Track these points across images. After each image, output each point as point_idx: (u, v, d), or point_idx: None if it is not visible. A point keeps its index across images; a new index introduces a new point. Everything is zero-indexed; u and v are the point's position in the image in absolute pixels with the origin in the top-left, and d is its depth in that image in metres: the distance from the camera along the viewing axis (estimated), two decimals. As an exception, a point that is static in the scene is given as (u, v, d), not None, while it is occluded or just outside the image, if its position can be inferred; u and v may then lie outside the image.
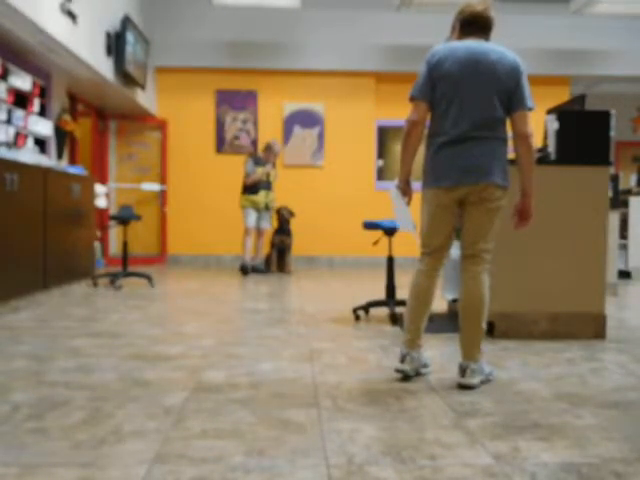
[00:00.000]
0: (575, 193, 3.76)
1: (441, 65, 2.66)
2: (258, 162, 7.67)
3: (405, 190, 2.83)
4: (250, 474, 1.75)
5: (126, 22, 6.79)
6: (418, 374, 2.83)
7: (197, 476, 1.74)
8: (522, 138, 2.62)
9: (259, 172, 7.58)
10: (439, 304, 5.14)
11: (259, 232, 7.87)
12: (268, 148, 7.72)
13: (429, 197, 2.73)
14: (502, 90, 2.63)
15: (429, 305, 2.77)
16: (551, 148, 3.88)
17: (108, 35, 6.55)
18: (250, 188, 7.62)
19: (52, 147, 6.50)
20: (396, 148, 9.15)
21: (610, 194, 7.05)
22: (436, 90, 2.69)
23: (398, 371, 2.74)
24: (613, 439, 2.07)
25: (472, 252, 2.71)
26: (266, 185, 7.72)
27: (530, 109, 2.65)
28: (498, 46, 2.70)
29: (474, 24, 2.73)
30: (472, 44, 2.68)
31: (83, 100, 7.79)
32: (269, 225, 7.90)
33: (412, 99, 2.71)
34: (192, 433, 2.08)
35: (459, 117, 2.65)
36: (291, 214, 7.89)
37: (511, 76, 2.63)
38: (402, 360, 2.75)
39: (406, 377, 2.76)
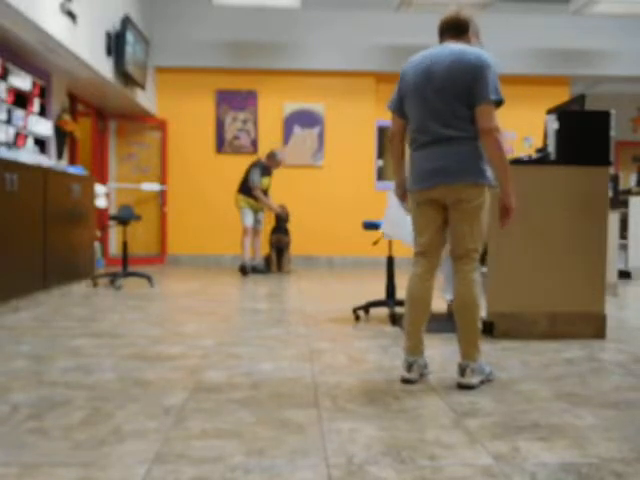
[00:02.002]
0: (575, 193, 3.76)
1: (404, 76, 2.81)
2: (265, 172, 7.65)
3: (402, 196, 2.97)
4: (250, 474, 1.76)
5: (126, 22, 6.79)
6: (421, 376, 2.84)
7: (197, 476, 1.74)
8: (484, 133, 2.60)
9: (262, 197, 7.57)
10: (439, 304, 5.14)
11: (255, 232, 7.87)
12: (272, 157, 7.70)
13: (410, 199, 2.85)
14: (460, 89, 2.63)
15: (428, 310, 2.78)
16: (551, 148, 3.88)
17: (108, 35, 6.55)
18: (250, 193, 7.61)
19: (52, 147, 6.50)
20: (396, 148, 9.14)
21: (610, 194, 7.05)
22: (405, 100, 2.82)
23: (405, 381, 2.74)
24: (613, 439, 2.07)
25: (460, 252, 2.73)
26: (265, 193, 7.74)
27: (494, 102, 2.60)
28: (462, 46, 2.70)
29: (443, 30, 2.83)
30: (433, 50, 2.75)
31: (83, 100, 7.79)
32: (262, 225, 7.93)
33: (390, 111, 2.90)
34: (192, 433, 2.08)
35: (424, 123, 2.72)
36: (287, 216, 7.89)
37: (468, 73, 2.61)
38: (409, 369, 2.74)
39: (410, 382, 2.76)
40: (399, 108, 2.84)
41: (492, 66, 2.63)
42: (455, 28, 2.79)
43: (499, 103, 2.63)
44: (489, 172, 2.69)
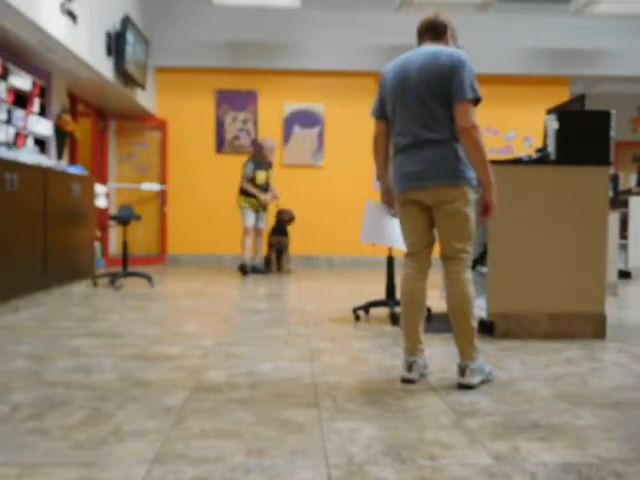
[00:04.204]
0: (575, 193, 3.76)
1: (384, 81, 2.84)
2: (258, 166, 7.66)
3: (388, 202, 3.01)
4: (250, 474, 1.76)
5: (126, 22, 6.79)
6: (421, 376, 2.84)
7: (197, 476, 1.74)
8: (462, 131, 2.60)
9: (250, 188, 7.57)
10: (439, 304, 5.14)
11: (257, 232, 7.87)
12: (259, 148, 7.72)
13: (396, 202, 2.88)
14: (435, 91, 2.64)
15: (422, 309, 2.80)
16: (551, 148, 3.88)
17: (108, 35, 6.55)
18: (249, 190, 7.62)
19: (52, 147, 6.50)
20: (396, 148, 9.14)
21: (610, 194, 7.05)
22: (385, 103, 2.84)
23: (405, 381, 2.75)
24: (613, 439, 2.07)
25: (448, 253, 2.73)
26: (264, 187, 7.72)
27: (472, 100, 2.60)
28: (436, 48, 2.71)
29: (422, 33, 2.86)
30: (412, 53, 2.77)
31: (83, 100, 7.79)
32: (265, 224, 7.92)
33: (373, 118, 2.96)
34: (192, 433, 2.08)
35: (403, 127, 2.74)
36: (292, 219, 7.86)
37: (442, 74, 2.63)
38: (409, 369, 2.76)
39: (410, 381, 2.76)
40: (381, 112, 2.87)
41: (467, 64, 2.63)
42: (433, 30, 2.82)
43: (477, 101, 2.63)
44: (469, 172, 2.68)
